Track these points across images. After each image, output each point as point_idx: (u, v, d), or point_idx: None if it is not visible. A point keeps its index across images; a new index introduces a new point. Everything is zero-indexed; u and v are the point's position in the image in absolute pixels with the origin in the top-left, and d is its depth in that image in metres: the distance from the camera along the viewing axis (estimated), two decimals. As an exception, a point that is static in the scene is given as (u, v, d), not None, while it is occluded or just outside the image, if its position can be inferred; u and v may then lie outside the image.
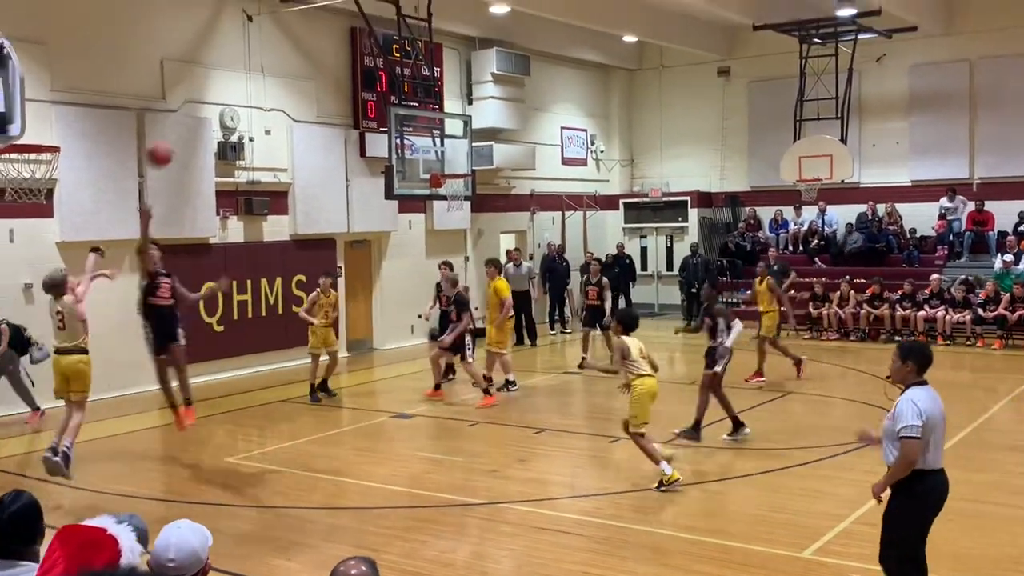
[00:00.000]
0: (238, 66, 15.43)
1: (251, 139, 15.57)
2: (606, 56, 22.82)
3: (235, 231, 15.59)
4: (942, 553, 6.74)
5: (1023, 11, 19.24)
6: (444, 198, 15.23)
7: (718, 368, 10.22)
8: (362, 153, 17.32)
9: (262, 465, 9.73)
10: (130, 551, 2.94)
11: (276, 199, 16.08)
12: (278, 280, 16.10)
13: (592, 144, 23.96)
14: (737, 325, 10.36)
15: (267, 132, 15.89)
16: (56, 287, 8.80)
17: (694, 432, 10.13)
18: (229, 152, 15.15)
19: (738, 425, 10.30)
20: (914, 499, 5.00)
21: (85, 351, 8.82)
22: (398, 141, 14.12)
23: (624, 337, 8.81)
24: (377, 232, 18.02)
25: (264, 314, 15.85)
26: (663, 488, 8.42)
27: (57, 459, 8.53)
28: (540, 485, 8.91)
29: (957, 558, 6.67)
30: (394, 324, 18.24)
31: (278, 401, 13.20)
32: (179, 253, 14.62)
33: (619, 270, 21.53)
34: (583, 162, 23.74)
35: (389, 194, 14.42)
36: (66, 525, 3.05)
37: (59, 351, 8.80)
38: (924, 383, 5.11)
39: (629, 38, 21.91)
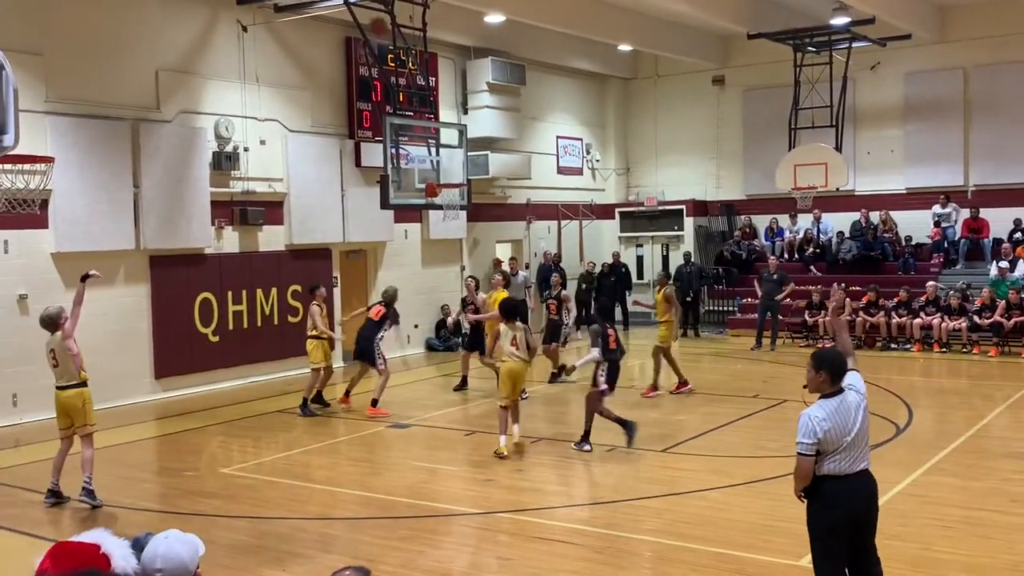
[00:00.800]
0: (233, 76, 15.44)
1: (246, 149, 15.56)
2: (601, 65, 22.87)
3: (230, 241, 15.57)
4: (941, 561, 6.73)
5: (1017, 19, 19.32)
6: (440, 207, 15.22)
7: (602, 387, 10.32)
8: (357, 163, 17.32)
9: (257, 476, 9.69)
10: (123, 569, 2.90)
11: (271, 209, 16.07)
12: (273, 290, 16.08)
13: (588, 153, 23.99)
14: (593, 352, 10.34)
15: (262, 142, 15.89)
16: (51, 323, 8.65)
17: (584, 443, 10.36)
18: (224, 162, 15.14)
19: (586, 437, 10.37)
20: (819, 503, 5.12)
21: (83, 384, 8.70)
22: (393, 151, 14.11)
23: (503, 325, 10.36)
24: (373, 242, 18.02)
25: (259, 324, 15.81)
26: (495, 454, 9.98)
27: (50, 501, 8.63)
28: (537, 494, 8.89)
29: (955, 566, 6.65)
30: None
31: (274, 412, 13.16)
32: (174, 263, 14.65)
33: (615, 279, 21.55)
34: (579, 171, 23.77)
35: (384, 204, 14.40)
36: (60, 542, 3.01)
37: (57, 387, 8.72)
38: (837, 392, 5.09)
39: (624, 47, 21.97)
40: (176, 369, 14.61)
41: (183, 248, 14.68)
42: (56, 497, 8.70)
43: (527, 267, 21.43)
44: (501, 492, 8.90)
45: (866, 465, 5.13)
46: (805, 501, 5.21)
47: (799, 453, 5.09)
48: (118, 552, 2.92)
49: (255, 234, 15.94)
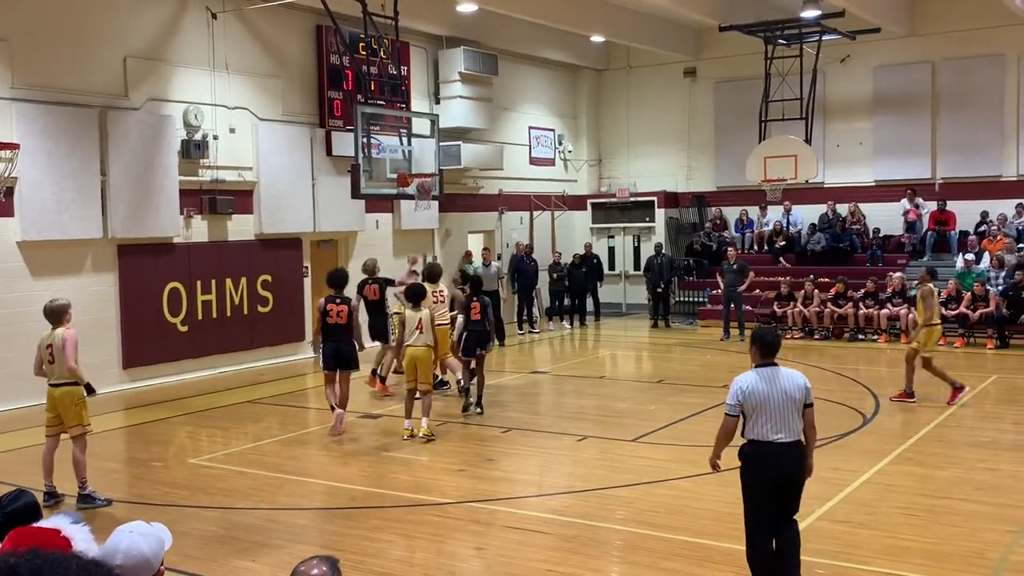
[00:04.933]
0: (202, 63, 15.27)
1: (215, 137, 15.41)
2: (574, 56, 22.87)
3: (199, 230, 15.42)
4: (906, 549, 6.82)
5: (984, 13, 19.51)
6: (411, 198, 15.17)
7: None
8: (328, 152, 17.21)
9: (227, 466, 9.63)
10: (83, 553, 2.86)
11: (241, 198, 15.93)
12: (243, 280, 15.95)
13: (560, 144, 24.01)
14: (459, 320, 11.91)
15: (232, 130, 15.74)
16: (56, 317, 8.27)
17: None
18: (193, 150, 14.99)
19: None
20: (744, 464, 5.89)
21: (75, 384, 8.35)
22: (364, 140, 14.05)
23: (409, 311, 10.66)
24: (344, 232, 17.92)
25: (229, 314, 15.69)
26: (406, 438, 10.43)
27: (48, 503, 8.11)
28: (508, 484, 8.91)
29: (920, 553, 6.74)
30: (362, 324, 18.10)
31: (243, 402, 13.07)
32: (142, 252, 14.49)
33: (586, 270, 21.60)
34: (551, 162, 23.78)
35: (356, 193, 14.34)
36: (18, 528, 2.98)
37: (50, 384, 8.38)
38: (766, 365, 5.86)
39: (597, 38, 21.96)
40: (145, 359, 14.47)
41: (151, 237, 14.53)
42: (53, 498, 8.31)
43: (499, 258, 21.43)
44: (473, 482, 8.91)
45: (786, 438, 5.75)
46: (718, 471, 6.11)
47: (725, 413, 5.91)
48: (79, 535, 2.88)
49: (224, 223, 15.80)
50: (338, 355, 10.98)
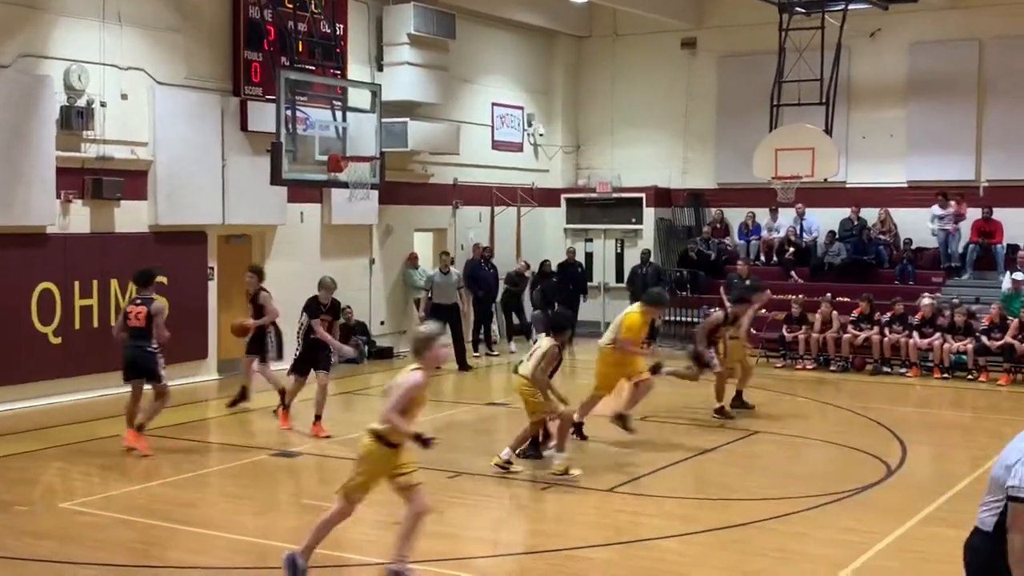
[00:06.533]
0: (89, 13, 15.14)
1: (103, 104, 15.29)
2: (549, 19, 22.98)
3: (79, 219, 15.28)
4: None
5: (1042, -17, 19.93)
6: (345, 185, 15.14)
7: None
8: (243, 126, 17.12)
9: (106, 513, 9.52)
10: None
11: (133, 180, 15.80)
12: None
13: (530, 126, 24.09)
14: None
15: (123, 96, 15.62)
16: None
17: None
18: (75, 120, 14.85)
19: None
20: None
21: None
22: (289, 113, 14.01)
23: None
24: (260, 225, 17.82)
25: (114, 324, 15.50)
26: None
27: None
28: (454, 541, 8.88)
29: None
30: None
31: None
32: (6, 244, 14.29)
33: (566, 280, 21.65)
34: (518, 147, 23.84)
35: (276, 178, 14.30)
36: None
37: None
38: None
39: (576, -2, 22.12)
40: (5, 378, 14.25)
41: (19, 226, 14.36)
42: None
43: (453, 262, 21.42)
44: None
45: None
46: None
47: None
48: None
49: (111, 211, 15.67)
50: (134, 364, 11.75)
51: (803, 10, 19.98)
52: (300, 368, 12.93)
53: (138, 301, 11.89)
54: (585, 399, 12.58)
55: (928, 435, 13.64)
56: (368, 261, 19.91)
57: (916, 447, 12.37)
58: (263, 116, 16.48)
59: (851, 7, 19.87)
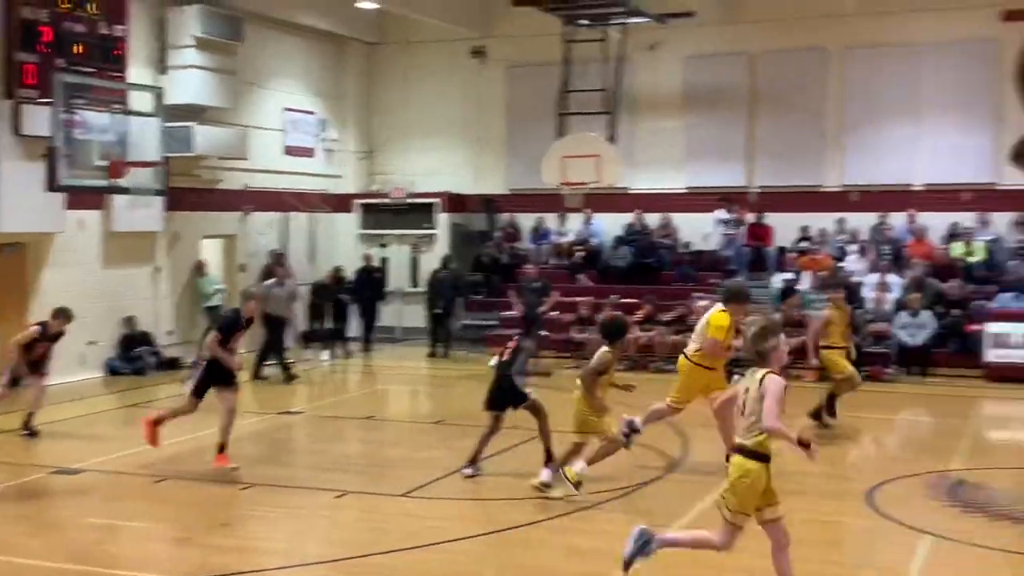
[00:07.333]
0: None
1: None
2: (339, 25, 22.83)
3: None
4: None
5: (804, 1, 21.09)
6: (127, 191, 14.61)
7: None
8: (16, 130, 16.19)
9: None
10: None
11: None
12: None
13: (322, 131, 23.86)
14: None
15: None
16: None
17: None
18: None
19: None
20: None
21: None
22: (66, 116, 13.43)
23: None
24: (35, 233, 16.93)
25: None
26: None
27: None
28: (247, 555, 8.71)
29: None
30: (57, 353, 17.17)
31: None
32: None
33: (367, 287, 21.52)
34: (310, 152, 23.57)
35: (52, 184, 13.68)
36: None
37: None
38: None
39: (367, 4, 22.02)
40: None
41: None
42: None
43: (243, 269, 20.99)
44: (202, 553, 8.65)
45: None
46: None
47: None
48: None
49: None
50: None
51: (586, 22, 20.52)
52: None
53: None
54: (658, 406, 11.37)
55: (709, 429, 14.20)
56: (153, 269, 19.24)
57: (697, 442, 12.84)
58: (38, 120, 15.67)
59: (631, 21, 20.54)
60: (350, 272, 21.98)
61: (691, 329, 18.70)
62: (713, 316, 11.05)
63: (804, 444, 6.44)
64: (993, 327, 18.02)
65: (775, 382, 6.56)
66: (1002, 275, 19.26)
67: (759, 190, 22.13)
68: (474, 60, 23.97)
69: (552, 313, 19.97)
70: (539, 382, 11.57)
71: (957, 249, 20.01)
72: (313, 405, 16.43)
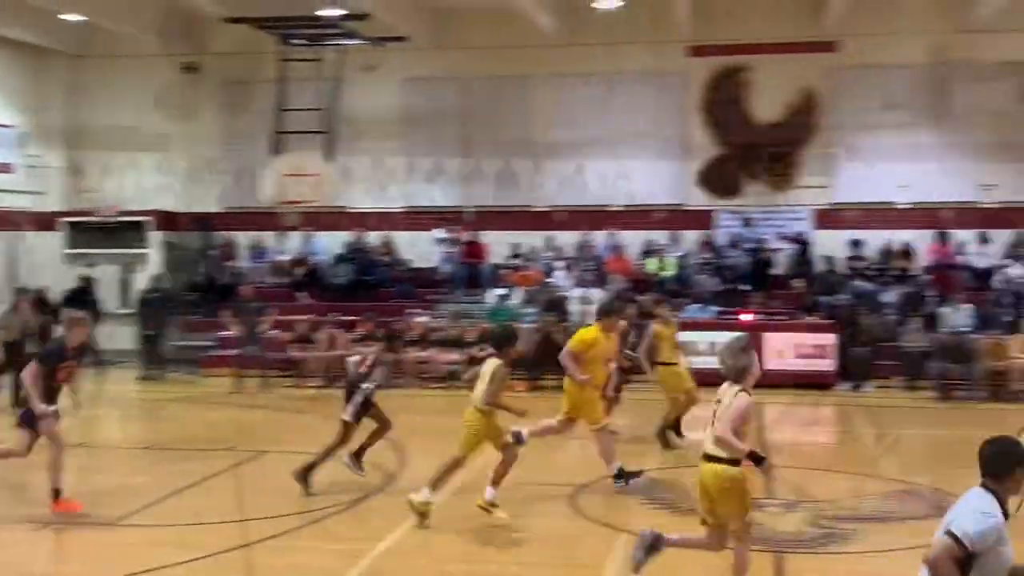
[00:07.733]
0: None
1: None
2: (40, 35, 21.92)
3: None
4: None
5: (510, 31, 21.97)
6: None
7: None
8: None
9: None
10: None
11: None
12: None
13: (23, 146, 22.67)
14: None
15: None
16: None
17: None
18: None
19: None
20: None
21: None
22: None
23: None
24: None
25: None
26: None
27: None
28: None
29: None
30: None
31: None
32: None
33: (80, 308, 20.48)
34: (9, 168, 22.35)
35: None
36: None
37: None
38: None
39: (72, 16, 21.17)
40: None
41: None
42: None
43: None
44: None
45: None
46: None
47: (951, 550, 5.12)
48: None
49: None
50: None
51: (303, 42, 20.55)
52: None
53: None
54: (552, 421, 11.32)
55: (425, 442, 14.49)
56: None
57: (416, 455, 13.11)
58: None
59: (349, 43, 20.75)
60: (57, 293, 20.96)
61: (412, 345, 19.29)
62: (581, 330, 11.49)
63: (755, 459, 6.90)
64: (682, 336, 19.31)
65: (744, 399, 7.00)
66: (690, 288, 20.80)
67: (475, 209, 22.84)
68: (188, 76, 23.43)
69: (271, 332, 19.80)
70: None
71: (652, 264, 21.47)
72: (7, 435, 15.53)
